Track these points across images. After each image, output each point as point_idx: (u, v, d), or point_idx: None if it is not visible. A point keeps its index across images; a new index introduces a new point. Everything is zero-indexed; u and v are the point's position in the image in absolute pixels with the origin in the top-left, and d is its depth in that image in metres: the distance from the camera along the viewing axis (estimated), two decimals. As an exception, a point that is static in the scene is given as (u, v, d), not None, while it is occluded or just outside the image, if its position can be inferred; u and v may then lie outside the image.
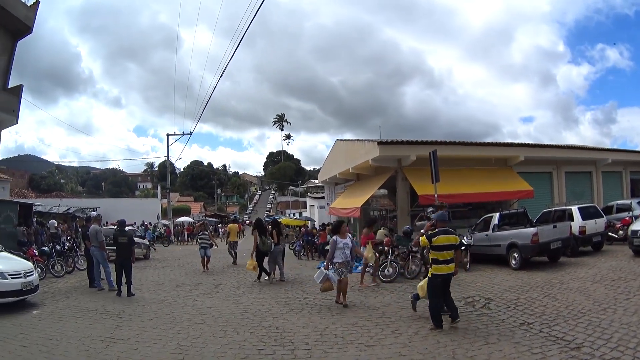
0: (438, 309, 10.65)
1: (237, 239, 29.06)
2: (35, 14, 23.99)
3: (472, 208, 26.14)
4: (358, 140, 30.65)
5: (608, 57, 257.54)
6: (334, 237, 14.02)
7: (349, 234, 14.83)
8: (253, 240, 20.15)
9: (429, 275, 10.96)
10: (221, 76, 29.52)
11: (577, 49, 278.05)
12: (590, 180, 31.13)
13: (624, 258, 18.59)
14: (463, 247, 18.86)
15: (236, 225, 31.36)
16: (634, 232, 18.32)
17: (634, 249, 18.40)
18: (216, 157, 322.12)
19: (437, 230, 10.89)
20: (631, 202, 19.45)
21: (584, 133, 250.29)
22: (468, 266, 19.39)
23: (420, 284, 10.90)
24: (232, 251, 27.68)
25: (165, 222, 57.30)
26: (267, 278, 19.60)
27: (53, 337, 10.83)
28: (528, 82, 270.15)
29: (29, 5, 23.55)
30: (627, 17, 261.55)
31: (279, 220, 25.82)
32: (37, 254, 20.44)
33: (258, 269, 19.73)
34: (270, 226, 21.35)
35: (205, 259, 23.83)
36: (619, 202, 25.05)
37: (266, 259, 19.97)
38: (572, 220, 20.76)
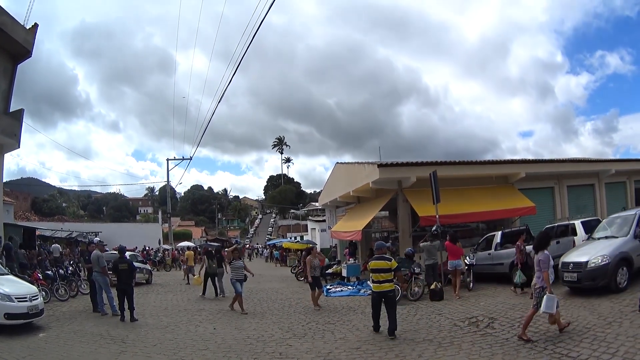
0: (374, 315, 13.23)
1: (193, 264, 33.37)
2: (34, 37, 24.27)
3: (477, 228, 26.24)
4: (358, 163, 30.74)
5: (608, 63, 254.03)
6: (546, 252, 11.37)
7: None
8: (202, 263, 25.53)
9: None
10: (219, 102, 29.64)
11: (575, 58, 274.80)
12: (593, 193, 30.77)
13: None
14: (467, 268, 19.79)
15: (192, 252, 36.24)
16: (565, 264, 15.53)
17: (567, 285, 15.52)
18: (215, 181, 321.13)
19: (375, 255, 13.69)
20: (636, 213, 17.70)
21: (585, 144, 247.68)
22: (471, 285, 19.57)
23: None
24: (187, 273, 32.64)
25: (166, 246, 57.17)
26: (222, 295, 23.52)
27: (60, 360, 10.84)
28: (526, 95, 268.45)
29: (27, 28, 23.77)
30: (629, 19, 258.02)
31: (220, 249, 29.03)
32: (41, 277, 20.49)
33: (203, 285, 24.20)
34: (214, 252, 25.52)
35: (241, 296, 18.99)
36: (623, 213, 24.36)
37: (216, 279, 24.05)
38: (576, 234, 20.59)
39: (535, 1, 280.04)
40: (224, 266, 24.48)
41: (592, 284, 14.44)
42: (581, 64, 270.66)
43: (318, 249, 39.25)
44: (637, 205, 29.76)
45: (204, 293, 23.86)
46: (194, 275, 31.27)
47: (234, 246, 25.42)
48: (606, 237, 16.11)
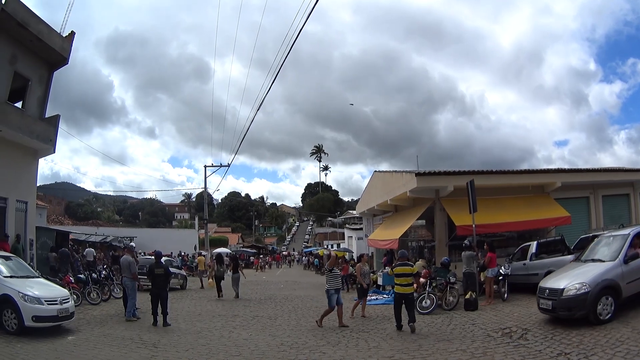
0: (397, 315, 15.08)
1: (204, 268, 36.26)
2: (71, 45, 24.59)
3: (511, 237, 25.94)
4: (395, 171, 30.69)
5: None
6: None
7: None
8: (211, 268, 30.16)
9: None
10: (258, 110, 29.91)
11: (608, 66, 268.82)
12: (628, 203, 30.04)
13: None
14: (501, 278, 19.60)
15: (203, 257, 39.44)
16: (542, 289, 14.24)
17: (543, 312, 14.27)
18: (251, 188, 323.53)
19: (398, 262, 16.24)
20: (630, 233, 15.54)
21: (619, 153, 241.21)
22: (506, 296, 19.29)
23: None
24: (200, 278, 35.11)
25: (203, 252, 57.21)
26: (221, 296, 25.85)
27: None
28: (561, 104, 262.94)
29: (64, 36, 24.08)
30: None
31: (237, 256, 34.77)
32: (72, 281, 20.66)
33: (219, 288, 26.44)
34: (230, 259, 32.14)
35: (337, 307, 16.47)
36: (616, 232, 23.35)
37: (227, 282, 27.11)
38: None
39: (566, 9, 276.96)
40: (239, 271, 27.49)
41: (568, 314, 12.97)
42: (614, 72, 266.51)
43: (354, 257, 39.29)
44: None
45: (219, 295, 26.04)
46: (201, 280, 34.55)
47: (334, 252, 24.22)
48: (592, 260, 14.54)
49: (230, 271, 28.68)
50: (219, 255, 31.05)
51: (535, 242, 21.35)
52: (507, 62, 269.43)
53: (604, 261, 13.90)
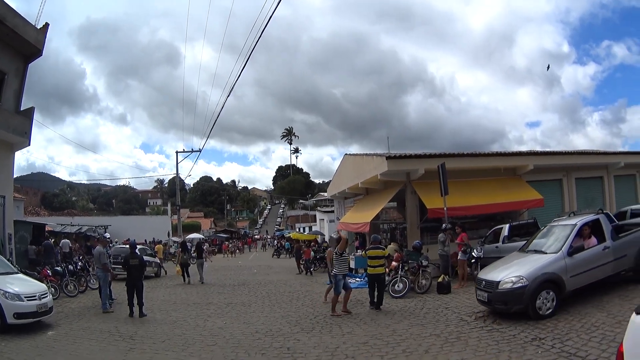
0: (371, 295, 16.70)
1: (162, 256, 38.94)
2: (45, 37, 24.31)
3: (481, 219, 26.06)
4: (366, 154, 30.68)
5: (615, 54, 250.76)
6: None
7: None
8: (178, 255, 31.64)
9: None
10: (228, 96, 30.09)
11: (582, 48, 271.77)
12: (602, 186, 30.16)
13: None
14: (474, 260, 19.71)
15: (162, 245, 43.08)
16: (479, 280, 14.03)
17: (480, 304, 14.01)
18: (222, 172, 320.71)
19: (370, 246, 17.37)
20: (576, 223, 14.69)
21: (592, 135, 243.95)
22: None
23: None
24: (161, 266, 35.44)
25: (175, 239, 57.08)
26: (188, 282, 27.79)
27: (69, 359, 11.01)
28: (533, 85, 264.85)
29: (38, 28, 23.81)
30: (634, 9, 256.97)
31: (201, 242, 36.39)
32: (50, 274, 20.60)
33: (185, 274, 28.26)
34: (195, 246, 33.99)
35: (343, 294, 16.33)
36: (634, 207, 22.53)
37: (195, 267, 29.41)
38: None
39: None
40: (204, 257, 30.89)
41: (504, 307, 12.63)
42: (587, 54, 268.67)
43: (326, 240, 39.49)
44: None
45: (186, 281, 27.89)
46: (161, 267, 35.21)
47: (344, 235, 23.60)
48: (535, 251, 14.01)
49: (194, 255, 31.94)
50: (183, 242, 33.27)
51: (507, 225, 21.43)
52: (478, 44, 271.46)
53: (546, 253, 13.47)
